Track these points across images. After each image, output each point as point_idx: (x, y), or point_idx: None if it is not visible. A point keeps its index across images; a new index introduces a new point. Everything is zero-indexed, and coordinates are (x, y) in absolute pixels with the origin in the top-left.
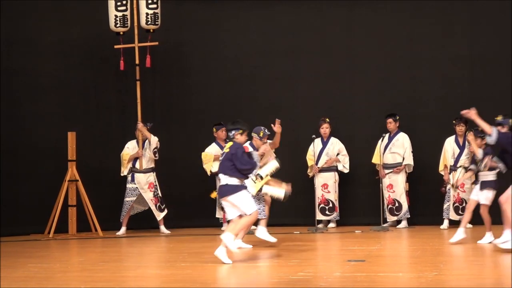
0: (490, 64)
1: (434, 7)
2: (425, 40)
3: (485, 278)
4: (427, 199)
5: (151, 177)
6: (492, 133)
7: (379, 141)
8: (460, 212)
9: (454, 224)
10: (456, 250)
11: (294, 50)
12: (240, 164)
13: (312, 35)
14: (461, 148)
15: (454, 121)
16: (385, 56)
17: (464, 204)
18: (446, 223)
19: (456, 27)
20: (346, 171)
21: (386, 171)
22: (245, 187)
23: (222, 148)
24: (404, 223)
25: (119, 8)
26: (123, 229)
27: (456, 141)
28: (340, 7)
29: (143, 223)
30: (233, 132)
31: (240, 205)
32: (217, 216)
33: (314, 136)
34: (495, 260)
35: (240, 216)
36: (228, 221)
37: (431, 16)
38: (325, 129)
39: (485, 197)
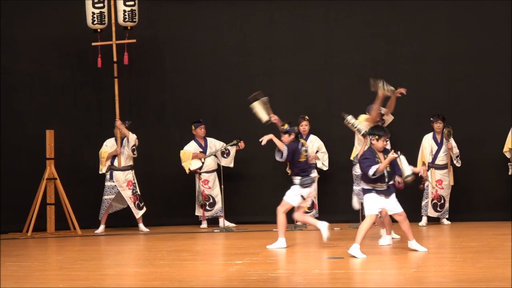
0: (468, 62)
1: (411, 6)
2: (403, 38)
3: (464, 274)
4: (405, 196)
5: (130, 175)
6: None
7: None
8: (438, 209)
9: (433, 220)
10: (434, 247)
11: (272, 47)
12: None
13: (289, 33)
14: (439, 145)
15: (431, 118)
16: (363, 54)
17: (442, 201)
18: (424, 220)
19: (433, 25)
20: (325, 168)
21: None
22: (371, 191)
23: (201, 146)
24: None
25: (96, 5)
26: (101, 227)
27: (434, 138)
28: (318, 5)
29: (121, 221)
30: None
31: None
32: (196, 213)
33: None
34: (474, 257)
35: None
36: (207, 219)
37: (408, 14)
38: (304, 126)
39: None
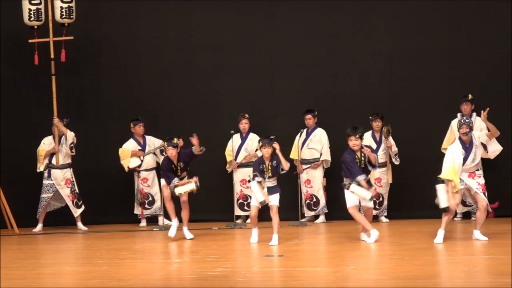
0: (407, 61)
1: (353, 4)
2: (344, 37)
3: (402, 271)
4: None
5: (68, 173)
6: None
7: (297, 137)
8: (377, 206)
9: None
10: (372, 245)
11: (214, 46)
12: None
13: (231, 31)
14: (378, 144)
15: (370, 117)
16: (304, 53)
17: (381, 199)
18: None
19: (375, 24)
20: None
21: (304, 166)
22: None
23: (139, 143)
24: (322, 218)
25: (33, 2)
26: (39, 226)
27: (373, 137)
28: (261, 3)
29: (60, 219)
30: None
31: None
32: (135, 212)
33: (233, 131)
34: (412, 254)
35: None
36: (146, 217)
37: (349, 13)
38: (244, 124)
39: None
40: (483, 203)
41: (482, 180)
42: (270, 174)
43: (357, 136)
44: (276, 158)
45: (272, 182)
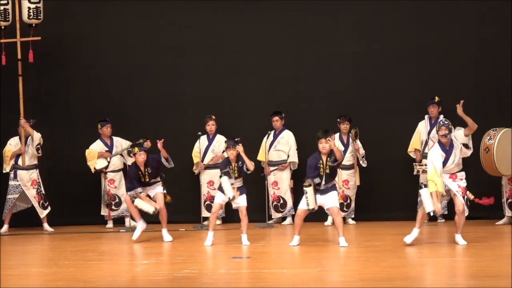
0: (374, 62)
1: (319, 5)
2: (310, 38)
3: (368, 273)
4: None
5: (34, 174)
6: None
7: (265, 138)
8: (344, 208)
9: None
10: (339, 247)
11: (179, 47)
12: None
13: (197, 32)
14: (346, 146)
15: (338, 119)
16: (271, 54)
17: (348, 201)
18: (330, 219)
19: (342, 25)
20: None
21: (271, 168)
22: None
23: (106, 145)
24: (289, 220)
25: (0, 2)
26: (5, 227)
27: (341, 139)
28: (227, 4)
29: (26, 220)
30: None
31: None
32: (102, 213)
33: (200, 133)
34: (378, 256)
35: None
36: (113, 219)
37: (316, 14)
38: (211, 126)
39: None
40: (460, 208)
41: (463, 183)
42: (236, 175)
43: (327, 139)
44: (241, 159)
45: (238, 183)
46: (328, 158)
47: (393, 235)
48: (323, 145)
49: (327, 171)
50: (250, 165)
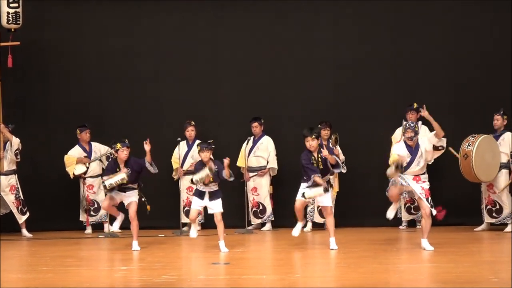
0: (353, 68)
1: (298, 9)
2: (290, 43)
3: (347, 279)
4: (291, 202)
5: (13, 179)
6: None
7: (244, 144)
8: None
9: (317, 226)
10: (319, 253)
11: (159, 53)
12: None
13: (176, 37)
14: None
15: (319, 125)
16: (250, 59)
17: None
18: (309, 225)
19: (319, 30)
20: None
21: (251, 174)
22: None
23: (85, 150)
24: (268, 226)
25: None
26: None
27: (321, 145)
28: (204, 9)
29: (4, 226)
30: None
31: None
32: (80, 219)
33: (179, 139)
34: (357, 262)
35: None
36: (91, 224)
37: (293, 19)
38: (190, 132)
39: None
40: (426, 210)
41: (426, 185)
42: (211, 179)
43: (313, 136)
44: (218, 165)
45: (213, 187)
46: (319, 154)
47: (373, 241)
48: (310, 143)
49: (321, 166)
50: (227, 173)
